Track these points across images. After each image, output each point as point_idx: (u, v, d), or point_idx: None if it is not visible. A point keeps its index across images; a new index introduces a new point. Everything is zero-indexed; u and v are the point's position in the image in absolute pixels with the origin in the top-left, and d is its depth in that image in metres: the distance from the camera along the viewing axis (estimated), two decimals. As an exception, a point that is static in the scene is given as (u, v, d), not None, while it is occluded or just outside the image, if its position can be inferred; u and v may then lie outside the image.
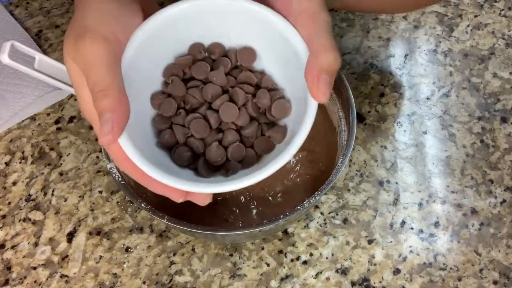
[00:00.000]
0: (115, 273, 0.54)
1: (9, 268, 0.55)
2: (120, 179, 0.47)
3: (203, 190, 0.36)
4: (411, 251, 0.54)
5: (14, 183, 0.60)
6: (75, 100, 0.66)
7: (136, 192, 0.48)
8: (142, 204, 0.45)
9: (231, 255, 0.55)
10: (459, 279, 0.53)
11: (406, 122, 0.62)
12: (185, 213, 0.55)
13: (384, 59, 0.67)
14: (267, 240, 0.55)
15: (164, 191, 0.37)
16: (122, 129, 0.33)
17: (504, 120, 0.62)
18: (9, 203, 0.59)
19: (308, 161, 0.57)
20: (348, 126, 0.48)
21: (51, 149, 0.62)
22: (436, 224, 0.56)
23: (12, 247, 0.56)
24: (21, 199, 0.59)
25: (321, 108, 0.56)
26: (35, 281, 0.54)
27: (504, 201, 0.57)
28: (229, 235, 0.49)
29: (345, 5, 0.55)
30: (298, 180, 0.57)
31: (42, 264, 0.55)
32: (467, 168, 0.59)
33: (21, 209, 0.58)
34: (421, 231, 0.56)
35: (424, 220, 0.56)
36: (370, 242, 0.55)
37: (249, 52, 0.40)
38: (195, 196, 0.38)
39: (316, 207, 0.57)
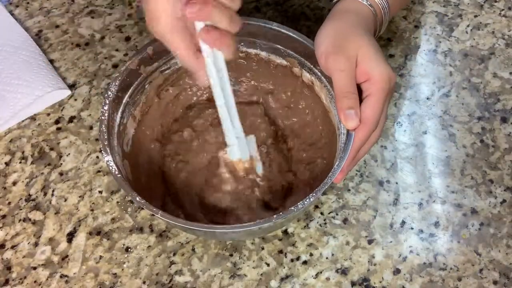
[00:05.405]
0: (115, 273, 0.54)
1: (9, 268, 0.55)
2: (116, 172, 0.47)
3: None
4: (411, 251, 0.54)
5: (14, 183, 0.60)
6: (75, 100, 0.66)
7: (133, 186, 0.48)
8: (137, 198, 0.45)
9: (231, 255, 0.55)
10: (459, 279, 0.53)
11: (406, 122, 0.62)
12: (186, 213, 0.55)
13: (384, 59, 0.67)
14: (267, 240, 0.55)
15: None
16: None
17: (504, 120, 0.62)
18: (9, 203, 0.59)
19: (310, 162, 0.57)
20: (347, 129, 0.48)
21: (51, 149, 0.62)
22: (436, 224, 0.56)
23: (12, 247, 0.56)
24: (21, 199, 0.59)
25: (323, 110, 0.56)
26: (35, 281, 0.54)
27: (504, 201, 0.57)
28: (229, 233, 0.49)
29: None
30: (299, 180, 0.57)
31: (42, 264, 0.55)
32: (467, 168, 0.59)
33: (21, 209, 0.58)
34: (421, 231, 0.56)
35: (424, 220, 0.56)
36: (370, 242, 0.55)
37: None
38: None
39: (316, 207, 0.57)
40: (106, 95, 0.51)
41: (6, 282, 0.54)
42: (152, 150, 0.58)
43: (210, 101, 0.60)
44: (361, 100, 0.48)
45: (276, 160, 0.57)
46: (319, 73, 0.54)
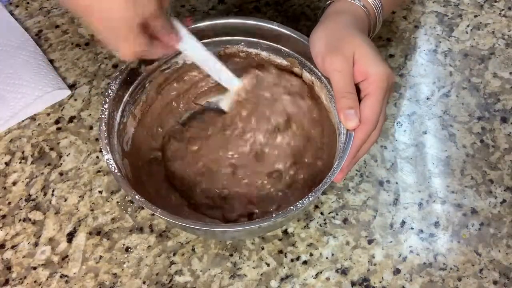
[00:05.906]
0: (115, 273, 0.54)
1: (9, 268, 0.55)
2: (116, 170, 0.47)
3: None
4: (411, 251, 0.54)
5: (14, 183, 0.60)
6: (75, 100, 0.66)
7: (133, 185, 0.48)
8: (136, 197, 0.45)
9: (231, 255, 0.55)
10: (459, 279, 0.53)
11: (406, 122, 0.62)
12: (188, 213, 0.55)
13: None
14: (267, 240, 0.55)
15: None
16: None
17: (504, 120, 0.62)
18: (9, 203, 0.59)
19: (310, 162, 0.57)
20: (347, 129, 0.48)
21: (51, 149, 0.62)
22: (436, 224, 0.56)
23: (12, 247, 0.56)
24: (21, 199, 0.59)
25: (323, 110, 0.56)
26: (35, 281, 0.54)
27: (504, 201, 0.57)
28: (229, 232, 0.49)
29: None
30: (300, 180, 0.57)
31: (42, 264, 0.55)
32: (467, 168, 0.59)
33: (21, 209, 0.58)
34: (421, 231, 0.56)
35: (424, 220, 0.56)
36: (370, 242, 0.55)
37: None
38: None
39: (316, 207, 0.57)
40: (106, 93, 0.51)
41: (6, 282, 0.54)
42: (152, 149, 0.58)
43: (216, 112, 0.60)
44: (359, 100, 0.48)
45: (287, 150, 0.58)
46: (319, 73, 0.54)
